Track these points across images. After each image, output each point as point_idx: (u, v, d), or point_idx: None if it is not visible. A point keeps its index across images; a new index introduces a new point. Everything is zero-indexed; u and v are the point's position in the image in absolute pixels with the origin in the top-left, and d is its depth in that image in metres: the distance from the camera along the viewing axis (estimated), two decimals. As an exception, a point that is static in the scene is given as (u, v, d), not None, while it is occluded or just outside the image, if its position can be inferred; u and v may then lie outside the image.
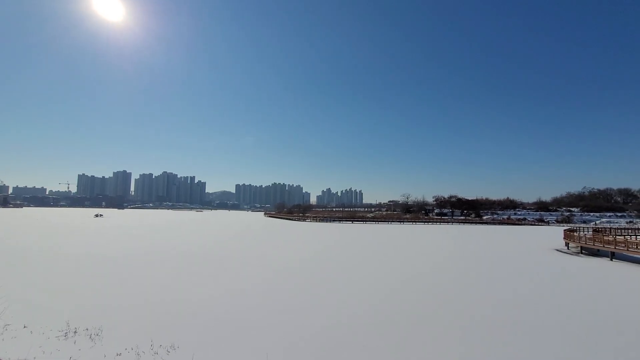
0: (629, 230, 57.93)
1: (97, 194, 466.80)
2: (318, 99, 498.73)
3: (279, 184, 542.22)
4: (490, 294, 15.56)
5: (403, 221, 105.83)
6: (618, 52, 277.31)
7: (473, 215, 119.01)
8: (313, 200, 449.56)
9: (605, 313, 12.65)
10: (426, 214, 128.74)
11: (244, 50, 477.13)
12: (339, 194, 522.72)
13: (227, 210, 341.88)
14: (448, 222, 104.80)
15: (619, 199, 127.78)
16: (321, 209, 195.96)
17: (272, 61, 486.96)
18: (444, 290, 16.13)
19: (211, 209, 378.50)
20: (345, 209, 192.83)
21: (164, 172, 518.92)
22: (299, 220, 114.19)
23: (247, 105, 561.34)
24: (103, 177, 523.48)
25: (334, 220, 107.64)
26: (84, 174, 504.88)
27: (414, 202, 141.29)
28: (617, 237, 32.42)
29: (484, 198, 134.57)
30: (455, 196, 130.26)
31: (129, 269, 19.96)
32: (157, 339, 9.17)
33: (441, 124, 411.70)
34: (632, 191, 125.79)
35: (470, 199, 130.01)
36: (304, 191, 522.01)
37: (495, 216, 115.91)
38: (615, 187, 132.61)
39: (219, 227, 69.04)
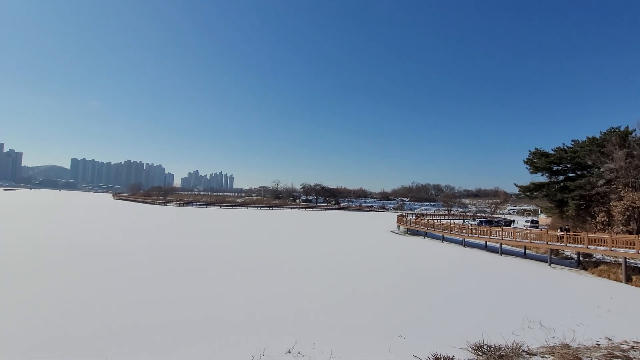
0: (436, 216, 78.07)
1: None
2: (186, 67, 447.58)
3: (135, 161, 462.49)
4: (338, 258, 20.73)
5: (272, 206, 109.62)
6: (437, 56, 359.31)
7: (333, 202, 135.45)
8: (177, 182, 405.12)
9: (409, 264, 21.19)
10: (294, 200, 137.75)
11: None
12: (208, 177, 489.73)
13: (58, 190, 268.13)
14: (312, 208, 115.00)
15: (433, 192, 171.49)
16: (187, 193, 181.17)
17: (127, 14, 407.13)
18: (305, 257, 18.16)
19: (31, 188, 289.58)
20: (214, 194, 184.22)
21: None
22: (157, 204, 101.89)
23: (90, 57, 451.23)
24: None
25: (200, 205, 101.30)
26: None
27: (284, 188, 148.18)
28: (429, 221, 43.02)
29: (343, 187, 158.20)
30: (319, 184, 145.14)
31: None
32: None
33: (310, 113, 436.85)
34: (441, 186, 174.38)
35: (332, 187, 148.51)
36: (166, 172, 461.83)
37: (350, 203, 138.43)
38: (431, 183, 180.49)
39: (30, 211, 54.07)
